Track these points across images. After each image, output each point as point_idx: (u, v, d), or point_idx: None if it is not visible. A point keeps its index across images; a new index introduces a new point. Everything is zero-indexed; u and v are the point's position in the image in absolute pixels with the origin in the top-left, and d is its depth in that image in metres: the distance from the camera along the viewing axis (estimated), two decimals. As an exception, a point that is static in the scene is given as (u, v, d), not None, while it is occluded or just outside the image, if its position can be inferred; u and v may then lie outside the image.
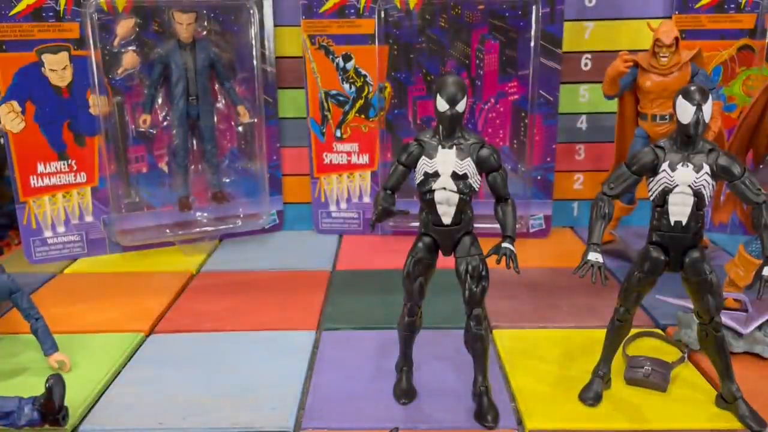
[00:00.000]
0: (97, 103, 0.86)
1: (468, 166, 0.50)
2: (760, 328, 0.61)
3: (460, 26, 0.91)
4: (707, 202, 0.50)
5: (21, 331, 0.65)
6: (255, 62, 0.92)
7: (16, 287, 0.59)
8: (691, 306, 0.63)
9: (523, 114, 0.92)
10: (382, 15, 0.91)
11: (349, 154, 0.96)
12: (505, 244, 0.51)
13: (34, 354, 0.62)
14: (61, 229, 0.87)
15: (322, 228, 0.99)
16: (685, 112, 0.49)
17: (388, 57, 0.93)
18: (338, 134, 0.95)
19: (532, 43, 0.89)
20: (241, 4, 0.91)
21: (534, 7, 0.88)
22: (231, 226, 0.95)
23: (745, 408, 0.52)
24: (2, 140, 0.90)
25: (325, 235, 0.99)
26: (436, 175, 0.50)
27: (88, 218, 0.89)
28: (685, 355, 0.60)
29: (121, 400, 0.56)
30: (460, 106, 0.49)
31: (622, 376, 0.57)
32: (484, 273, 0.52)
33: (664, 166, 0.49)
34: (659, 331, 0.66)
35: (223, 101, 0.93)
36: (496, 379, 0.58)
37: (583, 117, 0.97)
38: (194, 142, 0.91)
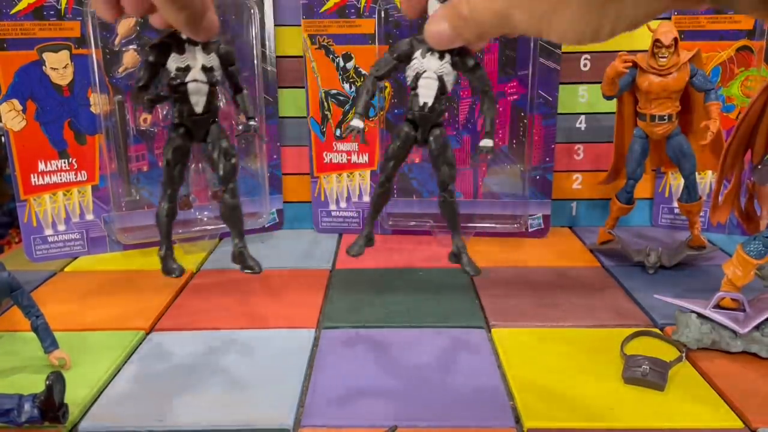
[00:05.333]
0: (98, 102, 0.86)
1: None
2: (757, 327, 0.61)
3: (460, 26, 0.91)
4: (449, 89, 0.57)
5: (21, 329, 0.65)
6: (255, 61, 0.93)
7: (16, 285, 0.59)
8: (690, 306, 0.64)
9: (522, 114, 0.93)
10: (383, 15, 0.91)
11: (349, 153, 0.96)
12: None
13: (35, 351, 0.62)
14: (61, 227, 0.88)
15: (322, 227, 0.99)
16: (434, 7, 0.52)
17: (388, 57, 0.93)
18: (338, 134, 0.96)
19: (532, 44, 0.89)
20: (241, 4, 0.91)
21: (534, 7, 0.88)
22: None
23: (466, 259, 0.62)
24: (3, 138, 0.90)
25: (325, 234, 0.99)
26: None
27: (89, 216, 0.89)
28: (683, 355, 0.61)
29: (121, 397, 0.56)
30: None
31: (621, 375, 0.58)
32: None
33: (417, 54, 0.56)
34: (657, 330, 0.67)
35: (224, 100, 0.93)
36: (494, 377, 0.58)
37: (582, 117, 0.97)
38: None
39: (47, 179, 0.86)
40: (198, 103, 0.57)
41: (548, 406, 0.54)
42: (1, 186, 1.06)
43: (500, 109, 0.93)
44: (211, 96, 0.58)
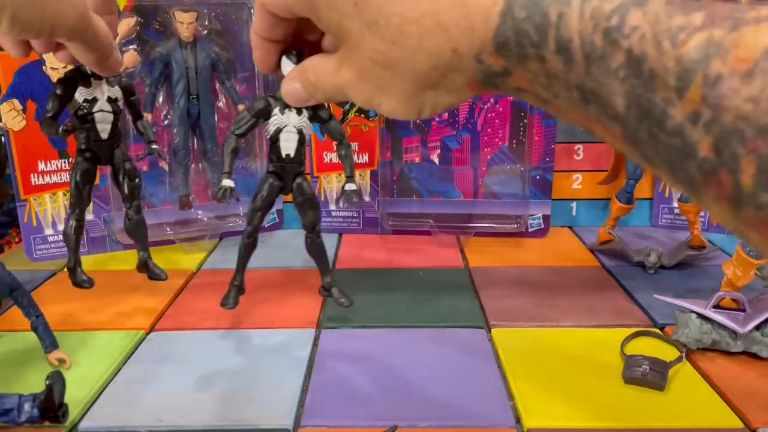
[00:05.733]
0: (98, 102, 0.86)
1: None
2: (757, 327, 0.61)
3: (460, 26, 0.91)
4: (308, 140, 0.65)
5: (21, 329, 0.65)
6: (255, 61, 0.92)
7: (16, 285, 0.60)
8: (690, 306, 0.64)
9: (522, 114, 0.93)
10: (383, 15, 0.91)
11: (349, 153, 0.96)
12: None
13: (34, 351, 0.62)
14: (61, 226, 0.87)
15: (322, 227, 0.99)
16: (288, 68, 0.57)
17: (388, 56, 0.93)
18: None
19: (532, 44, 0.89)
20: (241, 3, 0.91)
21: (534, 7, 0.88)
22: (231, 224, 0.95)
23: (338, 292, 0.69)
24: (3, 138, 0.90)
25: (325, 233, 0.99)
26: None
27: (89, 216, 0.88)
28: (683, 355, 0.61)
29: (121, 397, 0.56)
30: None
31: (620, 375, 0.58)
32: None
33: (276, 111, 0.63)
34: (657, 330, 0.67)
35: (224, 100, 0.93)
36: (494, 377, 0.58)
37: (583, 117, 0.97)
38: (195, 140, 0.92)
39: (47, 179, 0.86)
40: (104, 130, 0.64)
41: (548, 406, 0.54)
42: (1, 186, 1.06)
43: (500, 109, 0.94)
44: (115, 123, 0.65)
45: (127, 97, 0.66)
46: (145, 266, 0.71)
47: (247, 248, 0.68)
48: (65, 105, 0.63)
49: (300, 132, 0.64)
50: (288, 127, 0.63)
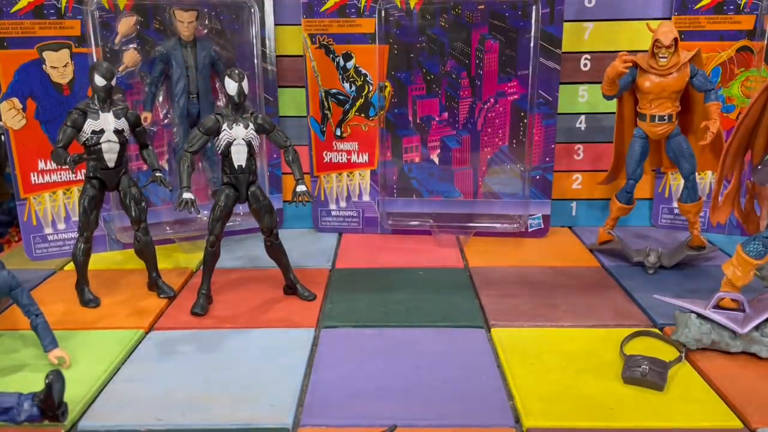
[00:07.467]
0: (98, 101, 0.86)
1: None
2: (757, 328, 0.61)
3: (460, 26, 0.91)
4: (256, 150, 0.70)
5: (21, 328, 0.65)
6: (255, 61, 0.93)
7: (16, 283, 0.59)
8: (689, 306, 0.64)
9: (522, 114, 0.93)
10: (383, 14, 0.91)
11: (349, 152, 0.96)
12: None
13: (34, 350, 0.62)
14: (61, 226, 0.88)
15: (321, 226, 0.99)
16: (231, 86, 0.68)
17: (389, 56, 0.93)
18: (338, 133, 0.96)
19: (532, 44, 0.89)
20: (242, 3, 0.91)
21: (534, 7, 0.88)
22: (231, 224, 0.95)
23: (301, 288, 0.74)
24: (3, 137, 0.90)
25: (325, 233, 0.99)
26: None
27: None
28: (683, 355, 0.61)
29: (121, 396, 0.56)
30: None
31: (620, 375, 0.58)
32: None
33: (225, 126, 0.68)
34: (657, 330, 0.67)
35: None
36: (494, 377, 0.58)
37: (582, 117, 0.97)
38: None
39: (47, 178, 0.86)
40: (111, 159, 0.69)
41: (548, 406, 0.54)
42: (1, 185, 1.06)
43: (500, 108, 0.94)
44: (122, 152, 0.70)
45: (133, 128, 0.71)
46: (155, 284, 0.75)
47: (212, 257, 0.71)
48: (74, 136, 0.68)
49: (249, 144, 0.68)
50: (237, 140, 0.68)
